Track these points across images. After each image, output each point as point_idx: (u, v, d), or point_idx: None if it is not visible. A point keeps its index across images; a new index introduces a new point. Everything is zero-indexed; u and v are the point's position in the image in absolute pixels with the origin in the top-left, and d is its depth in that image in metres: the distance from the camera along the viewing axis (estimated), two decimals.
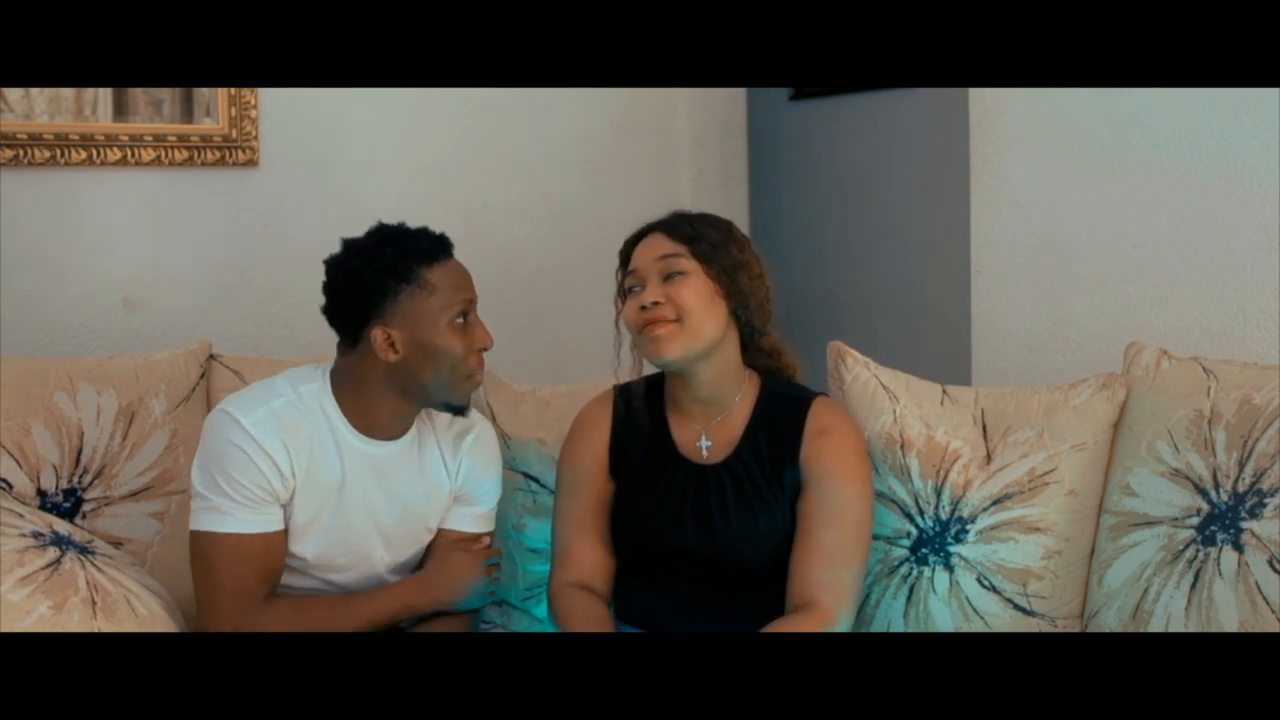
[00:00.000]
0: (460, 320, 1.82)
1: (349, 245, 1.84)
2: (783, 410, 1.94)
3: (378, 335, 1.79)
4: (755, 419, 1.94)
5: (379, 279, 1.79)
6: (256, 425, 1.78)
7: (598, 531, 1.96)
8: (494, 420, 2.23)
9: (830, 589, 1.83)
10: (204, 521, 1.78)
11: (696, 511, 1.91)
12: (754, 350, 1.98)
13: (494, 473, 2.02)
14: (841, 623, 1.83)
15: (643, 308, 1.87)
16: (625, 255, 1.96)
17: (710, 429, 1.95)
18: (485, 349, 1.85)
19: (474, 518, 1.98)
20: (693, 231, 1.90)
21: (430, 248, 1.82)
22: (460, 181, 2.83)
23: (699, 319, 1.86)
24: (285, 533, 1.83)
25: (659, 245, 1.90)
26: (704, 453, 1.95)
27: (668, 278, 1.87)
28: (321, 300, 1.85)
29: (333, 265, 1.84)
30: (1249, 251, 2.24)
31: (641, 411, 1.99)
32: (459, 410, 1.88)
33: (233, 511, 1.77)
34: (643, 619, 1.94)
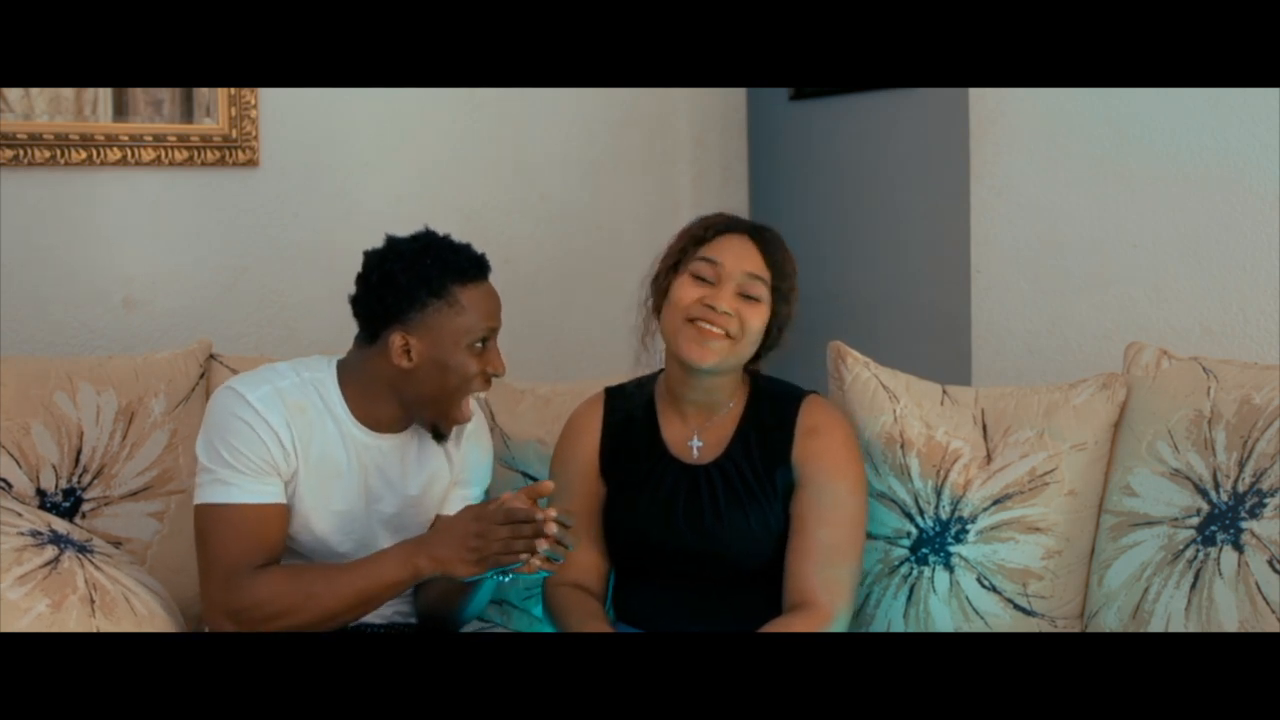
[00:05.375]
0: (480, 345, 1.83)
1: (392, 245, 1.85)
2: (773, 409, 1.95)
3: (396, 340, 1.81)
4: (746, 418, 1.95)
5: (412, 287, 1.80)
6: (261, 400, 1.79)
7: (589, 533, 1.96)
8: (493, 420, 2.23)
9: (826, 588, 1.84)
10: (208, 494, 1.78)
11: (688, 511, 1.91)
12: None
13: (490, 456, 2.04)
14: (839, 621, 1.84)
15: (709, 306, 1.85)
16: (703, 238, 1.91)
17: (702, 429, 1.96)
18: (496, 375, 1.86)
19: (467, 502, 1.98)
20: (780, 262, 1.89)
21: (468, 267, 1.83)
22: (460, 181, 2.82)
23: (750, 344, 1.89)
24: (288, 508, 1.82)
25: (751, 259, 1.88)
26: (695, 453, 1.95)
27: (744, 295, 1.87)
28: (348, 290, 1.86)
29: (372, 260, 1.84)
30: (1249, 251, 2.24)
31: (633, 412, 2.00)
32: (440, 436, 1.89)
33: (237, 482, 1.77)
34: (642, 622, 1.95)
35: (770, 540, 1.89)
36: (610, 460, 1.99)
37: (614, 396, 2.03)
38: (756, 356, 1.96)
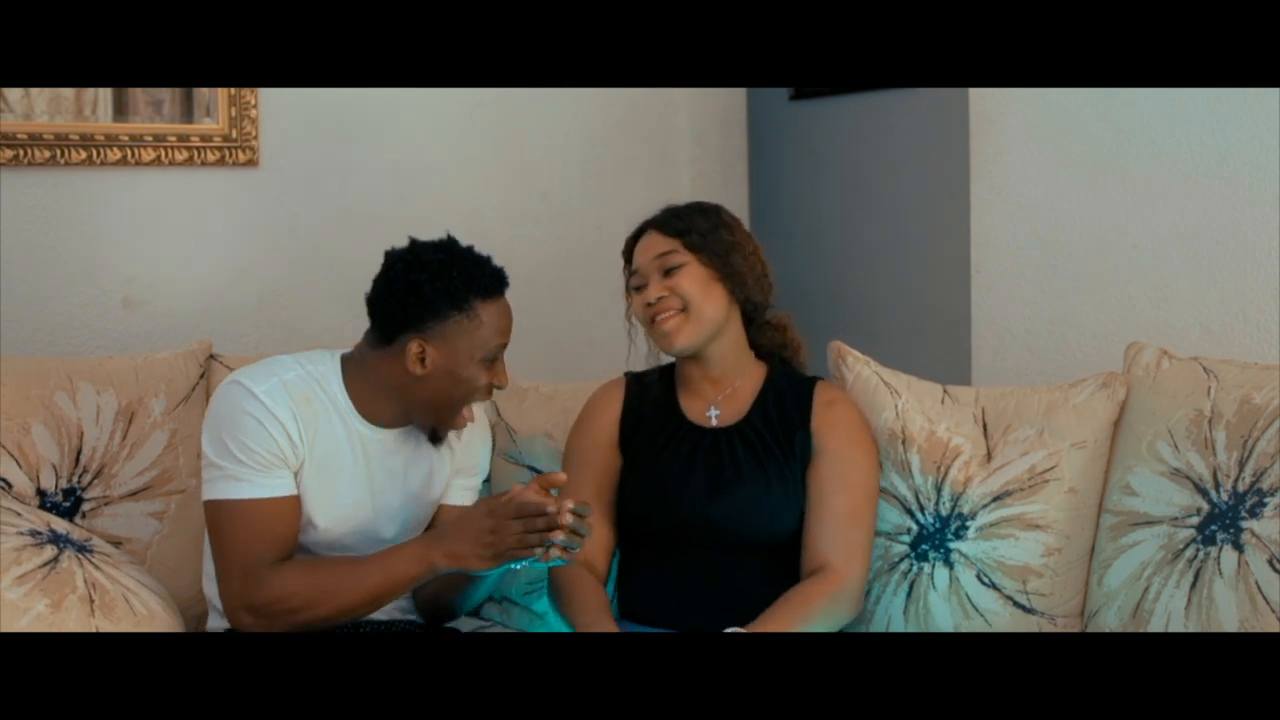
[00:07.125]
0: (490, 358, 1.86)
1: (417, 252, 1.85)
2: (789, 387, 2.05)
3: (413, 347, 1.82)
4: (763, 393, 2.04)
5: (436, 298, 1.81)
6: (268, 394, 1.80)
7: (601, 506, 2.00)
8: (499, 415, 2.24)
9: (842, 551, 1.92)
10: (220, 490, 1.79)
11: (708, 469, 1.98)
12: (760, 326, 2.08)
13: (490, 445, 2.08)
14: (853, 583, 1.92)
15: (648, 304, 1.97)
16: (627, 254, 2.06)
17: (719, 401, 2.04)
18: (500, 388, 1.89)
19: (468, 490, 2.02)
20: (683, 224, 2.01)
21: (490, 283, 1.86)
22: (461, 181, 2.82)
23: (701, 304, 1.97)
24: (299, 498, 1.83)
25: (655, 244, 2.01)
26: (713, 420, 2.03)
27: (666, 272, 1.98)
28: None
29: (396, 264, 1.85)
30: (1249, 251, 2.24)
31: (652, 391, 2.08)
32: (437, 439, 1.91)
33: (247, 477, 1.78)
34: (648, 603, 1.97)
35: (787, 507, 1.95)
36: (630, 432, 2.06)
37: (634, 378, 2.12)
38: (755, 310, 2.04)
